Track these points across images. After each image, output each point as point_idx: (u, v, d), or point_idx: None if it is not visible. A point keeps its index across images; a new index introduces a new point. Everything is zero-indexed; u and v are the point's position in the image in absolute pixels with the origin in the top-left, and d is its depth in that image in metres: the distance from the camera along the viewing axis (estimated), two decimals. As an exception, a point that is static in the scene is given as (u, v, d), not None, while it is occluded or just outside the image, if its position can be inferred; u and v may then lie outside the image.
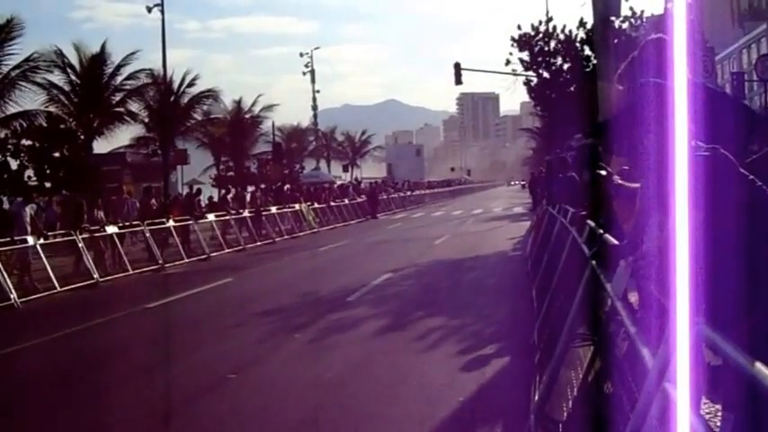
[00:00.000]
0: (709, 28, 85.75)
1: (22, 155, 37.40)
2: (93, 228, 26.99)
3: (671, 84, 3.77)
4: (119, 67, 49.03)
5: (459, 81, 57.00)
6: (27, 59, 41.18)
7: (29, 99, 42.48)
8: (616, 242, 6.38)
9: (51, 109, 45.09)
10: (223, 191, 53.43)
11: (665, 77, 4.31)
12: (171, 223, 31.34)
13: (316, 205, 50.65)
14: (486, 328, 14.27)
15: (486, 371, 11.03)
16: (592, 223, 8.75)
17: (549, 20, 50.07)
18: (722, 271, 4.16)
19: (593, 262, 7.14)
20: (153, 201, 36.53)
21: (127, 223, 30.84)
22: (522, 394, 9.09)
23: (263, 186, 57.67)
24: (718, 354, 3.53)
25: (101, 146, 51.83)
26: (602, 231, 7.54)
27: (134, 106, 51.99)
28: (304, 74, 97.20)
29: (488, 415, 9.16)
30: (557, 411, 7.70)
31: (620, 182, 6.09)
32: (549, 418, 7.61)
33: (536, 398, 8.18)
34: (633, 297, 6.59)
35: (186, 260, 30.59)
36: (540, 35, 49.97)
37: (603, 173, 6.64)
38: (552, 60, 50.01)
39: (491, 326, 14.53)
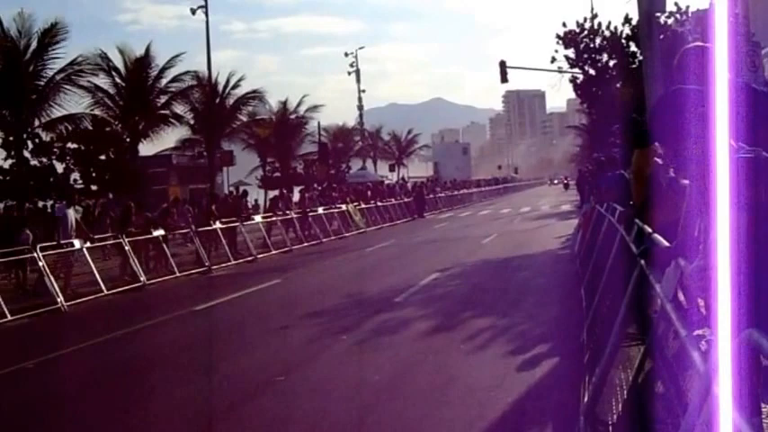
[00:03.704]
0: (756, 21, 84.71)
1: (68, 158, 37.86)
2: (137, 230, 27.15)
3: (712, 86, 3.71)
4: (164, 69, 49.35)
5: (504, 79, 56.75)
6: (72, 63, 41.56)
7: (74, 102, 42.88)
8: (665, 243, 6.31)
9: (96, 112, 45.54)
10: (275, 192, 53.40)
11: (704, 83, 4.25)
12: (218, 225, 31.45)
13: (362, 205, 50.68)
14: (534, 328, 14.18)
15: (535, 372, 10.96)
16: (640, 222, 8.67)
17: (594, 16, 49.84)
18: (766, 273, 4.10)
19: (642, 261, 7.06)
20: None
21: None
22: (572, 395, 9.02)
23: (316, 187, 57.75)
24: (765, 356, 3.47)
25: (146, 148, 52.23)
26: (650, 231, 7.46)
27: (179, 108, 52.33)
28: (349, 74, 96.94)
29: (538, 416, 9.09)
30: (606, 413, 7.62)
31: (673, 174, 6.03)
32: (599, 420, 7.54)
33: (585, 399, 8.11)
34: (682, 295, 6.51)
35: (233, 262, 30.69)
36: (586, 32, 49.68)
37: (659, 161, 6.57)
38: (598, 57, 49.73)
39: (540, 326, 14.44)
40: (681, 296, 5.76)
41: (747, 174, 4.07)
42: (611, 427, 7.35)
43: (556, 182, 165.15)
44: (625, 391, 7.58)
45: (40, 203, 36.36)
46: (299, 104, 75.91)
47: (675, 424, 5.25)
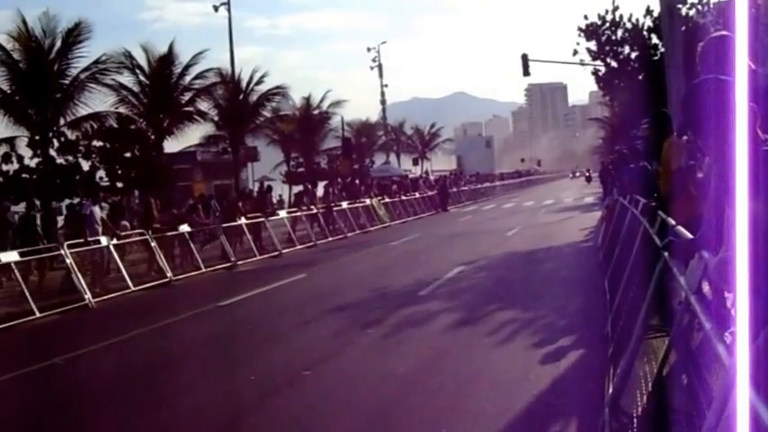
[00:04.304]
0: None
1: (94, 156, 37.86)
2: (162, 226, 27.28)
3: (732, 77, 3.74)
4: (187, 66, 48.93)
5: (526, 72, 56.68)
6: (96, 62, 41.37)
7: (99, 101, 42.60)
8: (689, 235, 6.33)
9: (121, 110, 45.26)
10: (299, 187, 53.39)
11: (726, 73, 4.28)
12: (243, 221, 31.57)
13: (386, 199, 50.70)
14: (559, 321, 14.22)
15: (559, 364, 11.00)
16: (663, 214, 8.68)
17: (616, 9, 49.59)
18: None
19: (666, 254, 7.08)
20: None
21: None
22: (597, 387, 9.05)
23: (340, 181, 57.81)
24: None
25: (171, 145, 51.90)
26: (674, 223, 7.48)
27: (203, 105, 51.90)
28: (372, 68, 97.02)
29: (563, 408, 9.13)
30: (631, 405, 7.64)
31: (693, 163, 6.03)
32: (624, 412, 7.57)
33: (610, 391, 8.14)
34: (707, 286, 6.52)
35: (258, 257, 30.84)
36: (607, 24, 49.49)
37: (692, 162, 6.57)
38: (619, 49, 49.54)
39: (564, 318, 14.47)
40: (706, 288, 5.78)
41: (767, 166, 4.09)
42: (635, 419, 7.37)
43: (578, 174, 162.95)
44: (650, 384, 7.60)
45: (65, 203, 36.65)
46: (322, 100, 75.77)
47: (700, 416, 5.28)
